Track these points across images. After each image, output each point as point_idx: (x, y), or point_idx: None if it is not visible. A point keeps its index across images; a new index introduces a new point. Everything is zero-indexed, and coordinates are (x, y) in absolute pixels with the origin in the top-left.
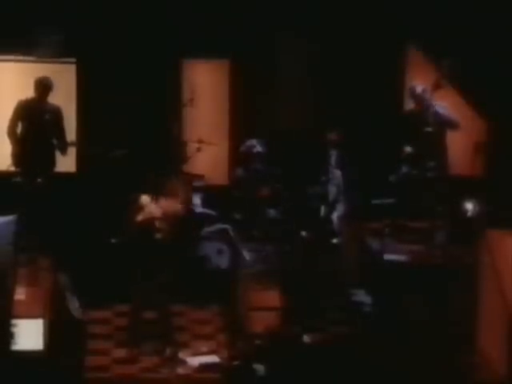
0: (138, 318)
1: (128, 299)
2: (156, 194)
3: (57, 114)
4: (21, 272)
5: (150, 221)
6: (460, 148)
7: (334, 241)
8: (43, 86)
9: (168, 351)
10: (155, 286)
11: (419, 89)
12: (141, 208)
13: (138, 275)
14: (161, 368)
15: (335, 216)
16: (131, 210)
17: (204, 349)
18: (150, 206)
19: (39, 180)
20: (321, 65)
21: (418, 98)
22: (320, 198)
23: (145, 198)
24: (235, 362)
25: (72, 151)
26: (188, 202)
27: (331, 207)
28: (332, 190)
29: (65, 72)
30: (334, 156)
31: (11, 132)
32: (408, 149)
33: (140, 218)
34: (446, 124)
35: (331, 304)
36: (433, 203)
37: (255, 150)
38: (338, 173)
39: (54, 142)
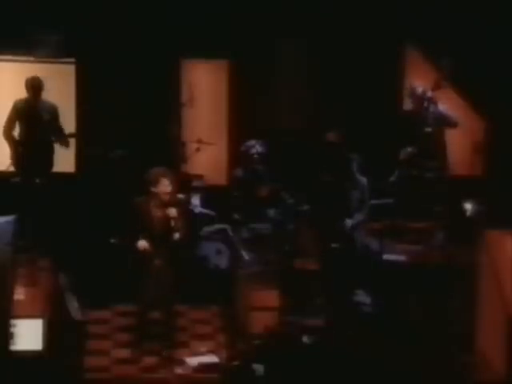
0: (144, 319)
1: (127, 299)
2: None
3: (54, 113)
4: (20, 272)
5: (165, 224)
6: (459, 148)
7: (334, 245)
8: (33, 87)
9: (168, 351)
10: (163, 285)
11: (419, 90)
12: (152, 216)
13: (145, 275)
14: (160, 368)
15: (350, 223)
16: (140, 216)
17: (203, 349)
18: (162, 211)
19: (38, 180)
20: (320, 65)
21: (417, 99)
22: (340, 206)
23: (142, 244)
24: (234, 362)
25: (71, 151)
26: (177, 191)
27: (348, 215)
28: (354, 198)
29: (64, 72)
30: (355, 161)
31: (7, 132)
32: (408, 149)
33: (159, 213)
34: (444, 122)
35: (330, 304)
36: (432, 203)
37: (255, 151)
38: (362, 180)
39: (53, 138)
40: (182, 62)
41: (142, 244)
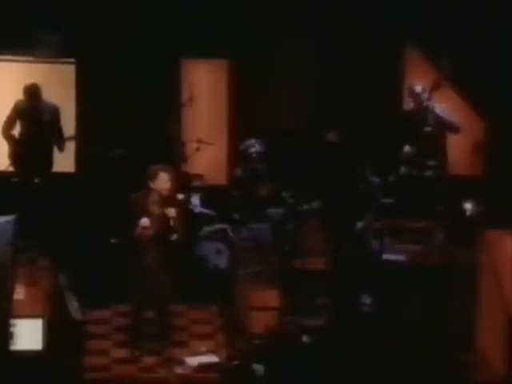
0: (139, 318)
1: (127, 299)
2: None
3: (55, 113)
4: (20, 272)
5: (162, 222)
6: (459, 148)
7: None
8: (30, 94)
9: (166, 351)
10: (158, 284)
11: (418, 88)
12: (150, 212)
13: (140, 275)
14: (160, 368)
15: (359, 225)
16: (137, 212)
17: (203, 349)
18: (160, 209)
19: (38, 180)
20: (320, 65)
21: (416, 98)
22: (347, 207)
23: (144, 221)
24: (234, 362)
25: (71, 151)
26: (176, 190)
27: (359, 217)
28: (365, 199)
29: (64, 72)
30: (366, 162)
31: (6, 131)
32: (408, 149)
33: (149, 221)
34: (446, 127)
35: (333, 304)
36: (432, 203)
37: (254, 150)
38: (375, 181)
39: (52, 140)
40: (182, 62)
41: (144, 221)
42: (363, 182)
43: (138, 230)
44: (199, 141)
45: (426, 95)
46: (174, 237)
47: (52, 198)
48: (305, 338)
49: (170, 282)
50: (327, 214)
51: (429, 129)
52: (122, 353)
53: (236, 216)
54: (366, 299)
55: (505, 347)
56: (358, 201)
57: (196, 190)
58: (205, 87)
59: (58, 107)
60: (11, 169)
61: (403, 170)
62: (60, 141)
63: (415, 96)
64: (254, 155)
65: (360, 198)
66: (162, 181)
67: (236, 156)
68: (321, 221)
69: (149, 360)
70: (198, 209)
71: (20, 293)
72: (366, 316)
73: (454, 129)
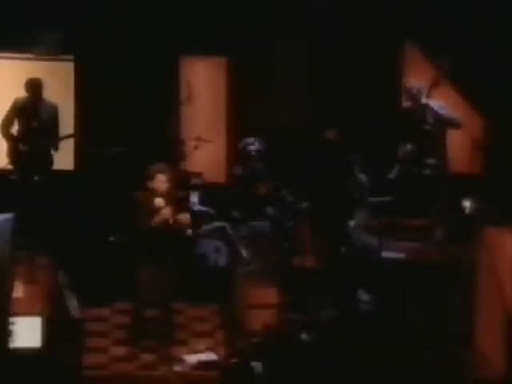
0: (139, 316)
1: (127, 297)
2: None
3: (54, 114)
4: (19, 270)
5: (166, 221)
6: (458, 146)
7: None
8: (32, 88)
9: (166, 349)
10: (160, 283)
11: (414, 88)
12: (156, 210)
13: (147, 272)
14: (159, 366)
15: (352, 224)
16: (141, 211)
17: (202, 346)
18: (165, 209)
19: (37, 178)
20: (319, 63)
21: (412, 97)
22: (342, 205)
23: (158, 201)
24: (233, 360)
25: (70, 149)
26: (176, 188)
27: (348, 214)
28: (355, 197)
29: (63, 70)
30: (356, 160)
31: (5, 130)
32: (407, 146)
33: (157, 219)
34: (446, 123)
35: (330, 302)
36: (431, 201)
37: (253, 148)
38: (362, 178)
39: (49, 138)
40: (181, 60)
41: (159, 201)
42: (352, 180)
43: (156, 217)
44: (198, 139)
45: (423, 93)
46: (189, 232)
47: (51, 195)
48: (304, 336)
49: (172, 279)
50: (317, 212)
51: (428, 127)
52: (121, 351)
53: (235, 214)
54: (365, 297)
55: (504, 345)
56: (346, 199)
57: (195, 187)
58: (204, 85)
59: (57, 108)
60: (10, 166)
61: (402, 167)
62: (55, 141)
63: (410, 95)
64: (253, 153)
65: (348, 197)
66: (159, 181)
67: (235, 154)
68: (309, 219)
69: (148, 358)
70: (197, 207)
71: (19, 290)
72: (365, 314)
73: (456, 125)
